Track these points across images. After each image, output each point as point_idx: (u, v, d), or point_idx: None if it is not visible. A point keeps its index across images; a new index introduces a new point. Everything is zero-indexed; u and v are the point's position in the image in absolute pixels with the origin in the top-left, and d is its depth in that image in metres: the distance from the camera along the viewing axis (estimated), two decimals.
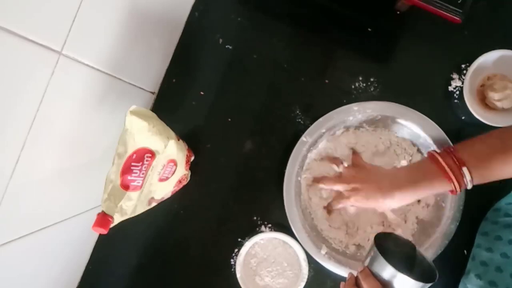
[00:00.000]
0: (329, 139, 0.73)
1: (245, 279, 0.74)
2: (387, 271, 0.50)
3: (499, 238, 0.62)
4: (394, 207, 0.63)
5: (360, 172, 0.68)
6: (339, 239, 0.72)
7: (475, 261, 0.64)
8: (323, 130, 0.72)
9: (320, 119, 0.72)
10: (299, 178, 0.73)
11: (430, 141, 0.70)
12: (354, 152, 0.73)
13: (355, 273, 0.57)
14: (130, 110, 0.56)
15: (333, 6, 0.76)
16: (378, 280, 0.51)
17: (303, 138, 0.72)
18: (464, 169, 0.55)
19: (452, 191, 0.58)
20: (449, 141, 0.69)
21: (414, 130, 0.71)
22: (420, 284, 0.49)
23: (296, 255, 0.73)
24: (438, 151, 0.61)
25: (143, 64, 0.72)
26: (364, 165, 0.70)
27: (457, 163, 0.56)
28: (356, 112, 0.71)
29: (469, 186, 0.57)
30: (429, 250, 0.69)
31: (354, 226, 0.73)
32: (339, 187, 0.69)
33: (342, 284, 0.58)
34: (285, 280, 0.74)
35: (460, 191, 0.57)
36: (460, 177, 0.56)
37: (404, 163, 0.73)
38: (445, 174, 0.57)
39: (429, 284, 0.50)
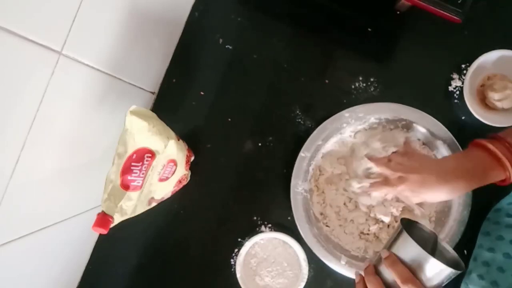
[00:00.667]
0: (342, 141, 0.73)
1: (245, 279, 0.74)
2: (419, 256, 0.48)
3: (501, 238, 0.62)
4: (442, 199, 0.60)
5: (409, 161, 0.65)
6: (357, 246, 0.72)
7: (477, 261, 0.64)
8: (320, 142, 0.72)
9: (315, 131, 0.72)
10: (306, 194, 0.72)
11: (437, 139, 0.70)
12: (406, 142, 0.70)
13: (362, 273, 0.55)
14: (130, 110, 0.56)
15: (333, 6, 0.76)
16: (407, 266, 0.49)
17: (301, 154, 0.72)
18: None
19: (504, 181, 0.56)
20: (454, 139, 0.69)
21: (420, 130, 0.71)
22: (453, 271, 0.47)
23: (296, 255, 0.73)
24: (483, 140, 0.58)
25: (143, 64, 0.72)
26: (413, 154, 0.67)
27: (511, 149, 0.54)
28: (348, 118, 0.71)
29: None
30: (446, 238, 0.69)
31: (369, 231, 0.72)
32: (386, 171, 0.66)
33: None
34: (285, 280, 0.74)
35: None
36: None
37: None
38: (499, 162, 0.54)
39: (459, 272, 0.48)
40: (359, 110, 0.71)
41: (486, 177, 0.57)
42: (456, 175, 0.58)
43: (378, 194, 0.68)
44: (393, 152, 0.69)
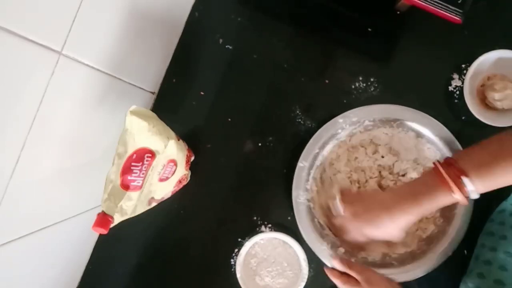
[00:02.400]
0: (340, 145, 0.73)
1: (245, 279, 0.74)
2: None
3: (504, 238, 0.62)
4: (400, 228, 0.59)
5: (347, 210, 0.66)
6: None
7: (478, 260, 0.64)
8: (317, 150, 0.71)
9: (311, 140, 0.71)
10: (308, 203, 0.72)
11: (436, 140, 0.70)
12: (341, 193, 0.70)
13: None
14: (130, 110, 0.56)
15: (333, 6, 0.76)
16: None
17: (299, 164, 0.71)
18: (464, 179, 0.53)
19: (458, 202, 0.56)
20: (454, 138, 0.69)
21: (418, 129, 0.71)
22: None
23: (296, 255, 0.73)
24: (441, 161, 0.58)
25: (143, 64, 0.72)
26: (351, 197, 0.68)
27: (457, 173, 0.54)
28: (343, 123, 0.71)
29: (474, 196, 0.54)
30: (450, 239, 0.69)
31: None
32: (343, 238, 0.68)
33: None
34: (285, 280, 0.74)
35: (468, 201, 0.55)
36: (462, 187, 0.53)
37: (414, 174, 0.71)
38: (446, 185, 0.54)
39: None
40: (352, 114, 0.71)
41: (436, 199, 0.56)
42: (408, 195, 0.58)
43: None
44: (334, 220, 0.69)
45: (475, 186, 0.53)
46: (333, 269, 0.69)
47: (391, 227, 0.59)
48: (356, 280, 0.65)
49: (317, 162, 0.72)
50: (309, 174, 0.72)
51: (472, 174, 0.53)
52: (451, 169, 0.55)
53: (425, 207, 0.57)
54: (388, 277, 0.66)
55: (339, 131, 0.71)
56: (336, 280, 0.68)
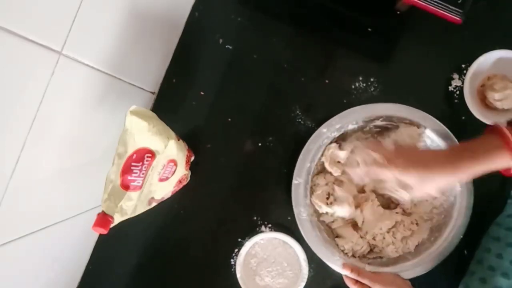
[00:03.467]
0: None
1: (245, 279, 0.74)
2: None
3: (511, 245, 0.62)
4: (442, 184, 0.56)
5: (408, 153, 0.61)
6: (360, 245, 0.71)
7: (482, 265, 0.63)
8: (308, 164, 0.71)
9: (300, 156, 0.70)
10: (312, 218, 0.71)
11: (434, 137, 0.69)
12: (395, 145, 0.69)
13: None
14: (130, 110, 0.56)
15: (333, 6, 0.76)
16: None
17: (294, 181, 0.71)
18: None
19: (509, 170, 0.54)
20: (452, 135, 0.68)
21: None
22: None
23: (296, 255, 0.73)
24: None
25: (143, 64, 0.72)
26: (410, 148, 0.66)
27: None
28: (327, 132, 0.70)
29: None
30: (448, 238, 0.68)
31: (363, 231, 0.72)
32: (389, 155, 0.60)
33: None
34: (285, 280, 0.74)
35: None
36: None
37: None
38: (508, 145, 0.51)
39: None
40: (335, 121, 0.70)
41: (492, 161, 0.53)
42: (467, 153, 0.54)
43: (379, 175, 0.60)
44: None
45: None
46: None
47: (435, 185, 0.56)
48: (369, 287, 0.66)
49: (311, 175, 0.71)
50: (306, 189, 0.71)
51: None
52: None
53: (480, 168, 0.54)
54: (399, 275, 0.67)
55: (325, 140, 0.71)
56: (351, 287, 0.68)
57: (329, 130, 0.71)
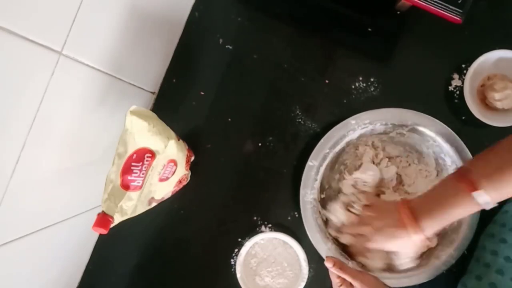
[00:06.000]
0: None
1: (245, 279, 0.74)
2: None
3: (504, 241, 0.62)
4: (428, 235, 0.57)
5: (375, 209, 0.65)
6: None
7: (479, 262, 0.64)
8: (327, 150, 0.71)
9: (322, 140, 0.70)
10: (315, 203, 0.71)
11: (443, 143, 0.69)
12: (366, 193, 0.71)
13: None
14: (130, 110, 0.56)
15: (333, 6, 0.76)
16: None
17: (309, 163, 0.71)
18: (476, 194, 0.51)
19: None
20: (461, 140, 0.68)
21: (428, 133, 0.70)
22: None
23: (296, 255, 0.73)
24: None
25: (143, 64, 0.72)
26: (376, 202, 0.68)
27: (469, 187, 0.51)
28: (355, 125, 0.70)
29: (490, 206, 0.52)
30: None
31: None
32: (363, 229, 0.65)
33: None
34: (285, 280, 0.74)
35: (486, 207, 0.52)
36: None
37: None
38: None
39: None
40: (365, 116, 0.70)
41: (460, 206, 0.53)
42: (434, 203, 0.56)
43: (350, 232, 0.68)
44: (364, 205, 0.68)
45: (491, 197, 0.50)
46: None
47: (409, 244, 0.59)
48: (351, 284, 0.65)
49: (326, 162, 0.71)
50: (317, 173, 0.71)
51: (485, 185, 0.50)
52: (464, 180, 0.53)
53: (452, 215, 0.54)
54: (381, 279, 0.66)
55: (350, 132, 0.71)
56: (333, 279, 0.67)
57: (357, 122, 0.70)
